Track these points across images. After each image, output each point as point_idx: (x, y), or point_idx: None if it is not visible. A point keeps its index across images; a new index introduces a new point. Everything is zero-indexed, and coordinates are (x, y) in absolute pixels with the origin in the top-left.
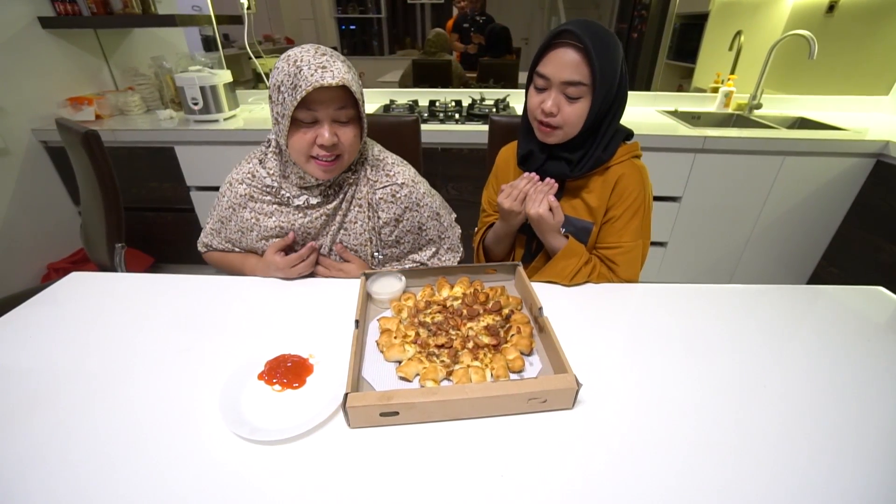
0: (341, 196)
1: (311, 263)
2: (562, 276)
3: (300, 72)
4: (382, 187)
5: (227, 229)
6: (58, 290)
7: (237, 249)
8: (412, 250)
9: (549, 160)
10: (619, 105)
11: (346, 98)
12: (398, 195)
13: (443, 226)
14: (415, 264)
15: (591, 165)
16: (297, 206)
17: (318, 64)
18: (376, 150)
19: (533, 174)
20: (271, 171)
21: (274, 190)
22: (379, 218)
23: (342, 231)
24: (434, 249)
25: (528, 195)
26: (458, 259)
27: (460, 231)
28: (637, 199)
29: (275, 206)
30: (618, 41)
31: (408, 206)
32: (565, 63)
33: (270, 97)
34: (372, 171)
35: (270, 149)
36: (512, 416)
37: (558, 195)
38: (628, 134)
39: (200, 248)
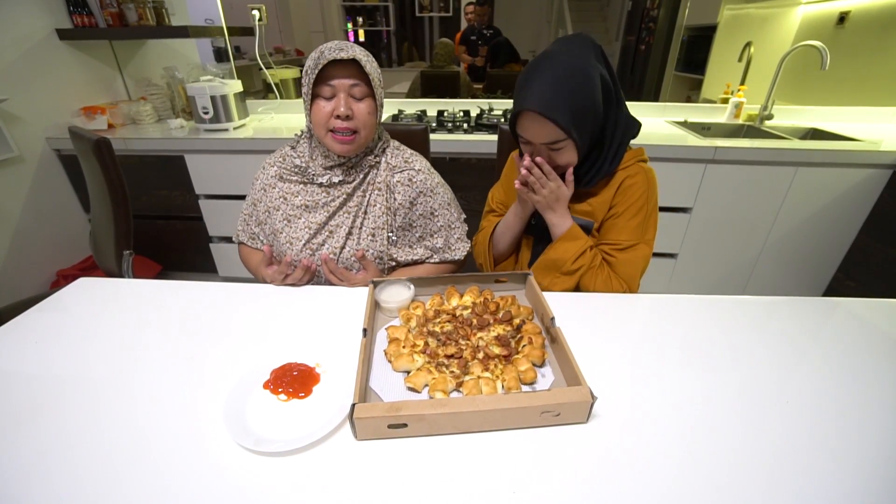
0: (362, 176)
1: (298, 277)
2: (564, 258)
3: (322, 54)
4: (400, 171)
5: (258, 211)
6: (65, 295)
7: (262, 240)
8: (423, 236)
9: None
10: (616, 114)
11: (359, 75)
12: (414, 179)
13: (453, 216)
14: (427, 251)
15: (599, 177)
16: (321, 183)
17: (337, 48)
18: (395, 142)
19: (528, 161)
20: (301, 153)
21: (301, 169)
22: (395, 199)
23: (364, 214)
24: (445, 236)
25: (531, 184)
26: (468, 250)
27: (467, 228)
28: (640, 199)
29: (301, 185)
30: (585, 69)
31: (422, 191)
32: (538, 131)
33: (302, 85)
34: (392, 157)
35: (303, 135)
36: (524, 429)
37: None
38: (635, 129)
39: (235, 238)
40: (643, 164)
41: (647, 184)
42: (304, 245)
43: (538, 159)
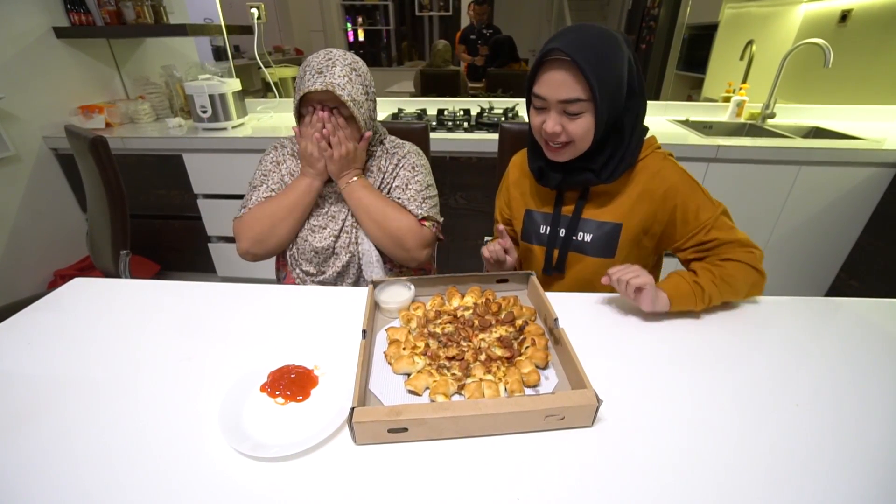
0: (362, 164)
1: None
2: (690, 299)
3: (304, 75)
4: (392, 153)
5: (270, 180)
6: (61, 295)
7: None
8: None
9: (569, 173)
10: (639, 100)
11: (338, 99)
12: (403, 160)
13: (428, 193)
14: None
15: (622, 169)
16: None
17: (317, 70)
18: (392, 136)
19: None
20: None
21: None
22: (385, 178)
23: None
24: (415, 203)
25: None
26: (433, 227)
27: (440, 220)
28: (684, 180)
29: None
30: (615, 39)
31: (404, 166)
32: (559, 82)
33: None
34: (389, 144)
35: None
36: (527, 433)
37: (582, 201)
38: (646, 129)
39: (237, 214)
40: (659, 150)
41: (676, 165)
42: (307, 226)
43: (612, 277)
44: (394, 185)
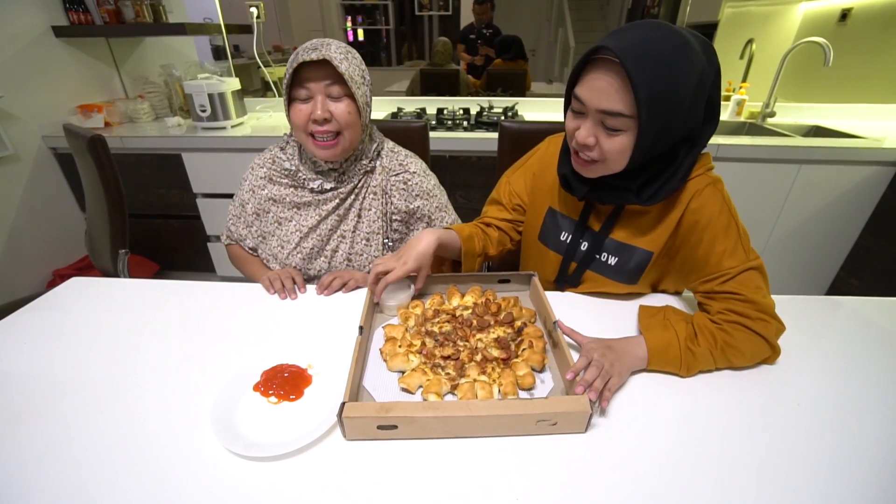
0: (356, 181)
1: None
2: (675, 364)
3: (297, 55)
4: (395, 175)
5: (246, 212)
6: (58, 295)
7: (249, 243)
8: None
9: (598, 188)
10: (708, 127)
11: (334, 75)
12: (410, 183)
13: (451, 217)
14: None
15: (667, 192)
16: (312, 188)
17: (312, 47)
18: (390, 144)
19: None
20: (290, 156)
21: (291, 173)
22: (392, 203)
23: (358, 217)
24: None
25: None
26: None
27: None
28: (721, 215)
29: (291, 188)
30: (689, 49)
31: (419, 195)
32: (602, 88)
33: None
34: (387, 160)
35: (291, 138)
36: (518, 437)
37: (613, 220)
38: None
39: (223, 239)
40: (709, 173)
41: (719, 195)
42: (295, 248)
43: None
44: (415, 217)
